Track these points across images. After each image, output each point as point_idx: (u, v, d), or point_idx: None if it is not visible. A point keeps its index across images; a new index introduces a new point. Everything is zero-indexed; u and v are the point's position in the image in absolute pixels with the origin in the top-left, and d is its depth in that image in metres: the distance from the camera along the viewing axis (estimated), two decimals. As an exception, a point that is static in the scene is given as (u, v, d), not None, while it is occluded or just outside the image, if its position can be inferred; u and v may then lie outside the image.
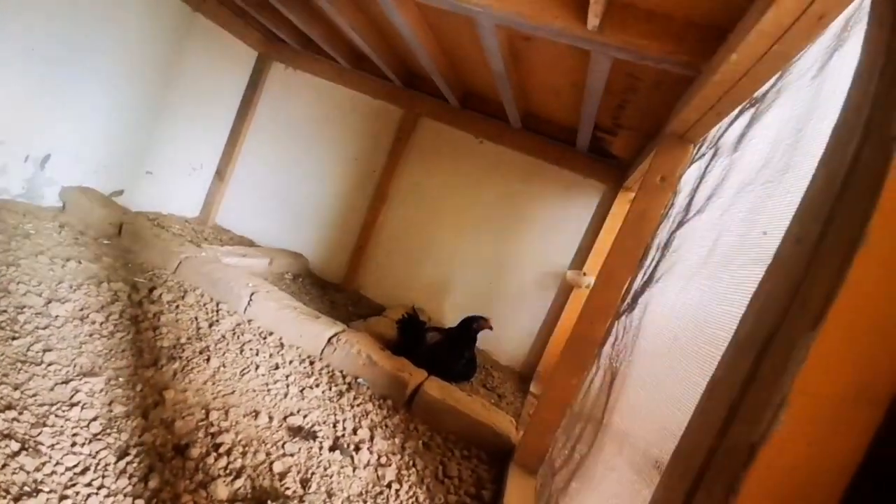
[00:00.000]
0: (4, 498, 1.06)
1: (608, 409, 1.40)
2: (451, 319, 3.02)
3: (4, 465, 1.14)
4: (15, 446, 1.19)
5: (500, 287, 3.35)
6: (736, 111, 1.48)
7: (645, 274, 1.67)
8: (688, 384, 0.88)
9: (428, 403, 2.21)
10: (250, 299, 2.47)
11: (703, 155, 1.76)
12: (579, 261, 3.15)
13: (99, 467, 1.24)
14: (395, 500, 1.60)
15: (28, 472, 1.15)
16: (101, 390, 1.49)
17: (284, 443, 1.63)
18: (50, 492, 1.13)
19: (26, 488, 1.11)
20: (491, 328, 2.87)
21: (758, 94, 1.30)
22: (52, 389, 1.44)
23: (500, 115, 3.28)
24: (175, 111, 3.40)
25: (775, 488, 0.37)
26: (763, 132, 1.12)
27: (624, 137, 2.92)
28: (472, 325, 2.88)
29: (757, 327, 0.45)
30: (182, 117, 3.47)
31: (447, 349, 2.76)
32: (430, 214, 3.54)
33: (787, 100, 1.08)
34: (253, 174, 3.90)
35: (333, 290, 3.56)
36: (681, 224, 1.42)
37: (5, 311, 1.68)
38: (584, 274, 2.98)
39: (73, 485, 1.17)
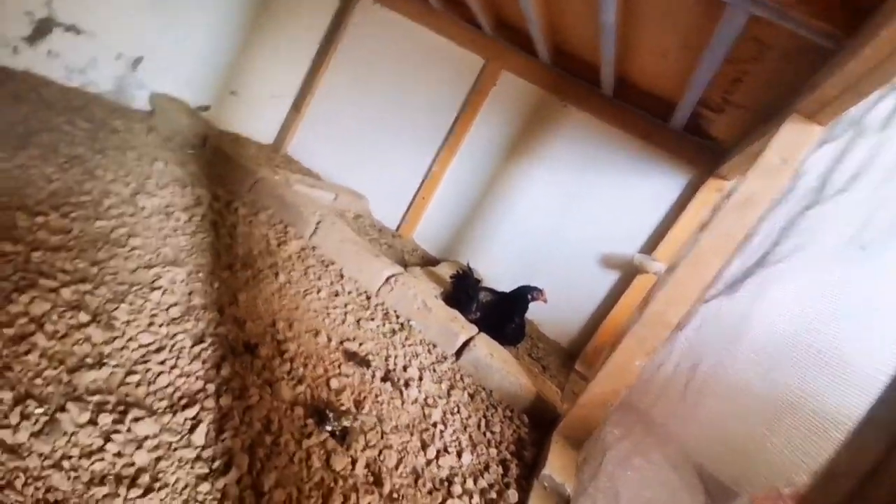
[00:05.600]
0: (56, 368, 1.03)
1: (673, 401, 1.31)
2: (504, 283, 2.96)
3: (65, 335, 1.12)
4: (84, 317, 1.19)
5: (560, 259, 3.23)
6: (878, 92, 1.29)
7: (748, 259, 1.53)
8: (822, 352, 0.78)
9: (476, 358, 2.19)
10: (316, 227, 2.50)
11: (838, 137, 1.56)
12: (651, 245, 2.97)
13: (174, 348, 1.29)
14: (440, 439, 1.60)
15: (94, 345, 1.14)
16: (183, 280, 1.54)
17: (340, 364, 1.66)
18: (116, 366, 1.13)
19: (88, 360, 1.10)
20: (545, 301, 2.79)
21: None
22: (133, 272, 1.50)
23: (590, 79, 3.08)
24: (264, 37, 3.42)
25: None
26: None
27: (730, 117, 2.66)
28: (528, 295, 2.82)
29: None
30: (269, 44, 3.49)
31: (499, 311, 2.72)
32: (499, 173, 3.43)
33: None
34: (327, 110, 3.91)
35: (390, 235, 3.57)
36: (811, 206, 1.26)
37: (89, 194, 1.74)
38: (655, 259, 2.82)
39: (145, 361, 1.20)
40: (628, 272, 3.04)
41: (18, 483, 0.76)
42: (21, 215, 1.33)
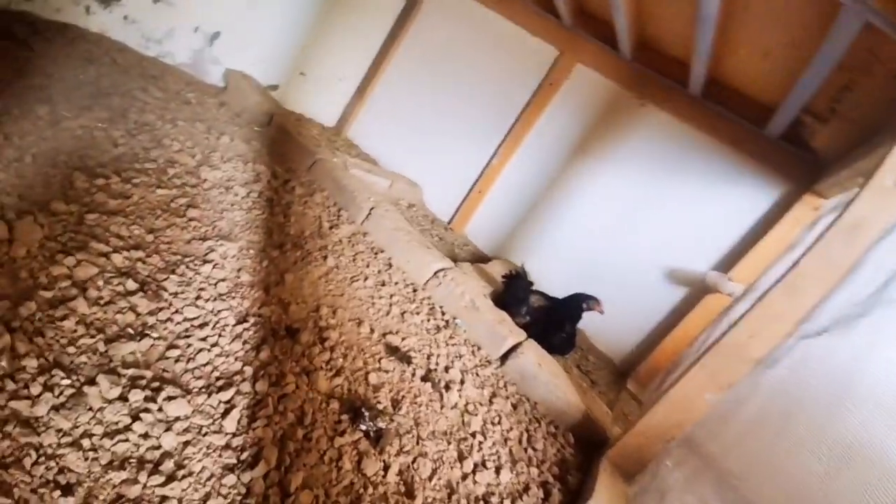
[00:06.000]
0: (93, 337, 0.97)
1: (757, 452, 1.11)
2: (557, 288, 2.79)
3: (109, 303, 1.06)
4: (132, 285, 1.15)
5: (622, 268, 3.01)
6: None
7: (859, 293, 1.29)
8: None
9: (522, 366, 2.06)
10: (369, 213, 2.45)
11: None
12: (727, 263, 2.68)
13: (218, 325, 1.26)
14: (478, 451, 1.49)
15: (139, 315, 1.09)
16: (234, 256, 1.52)
17: (381, 358, 1.58)
18: (158, 338, 1.08)
19: (129, 330, 1.04)
20: (602, 312, 2.59)
21: None
22: (188, 242, 1.48)
23: (676, 77, 2.82)
24: (336, 20, 3.42)
25: None
26: None
27: (835, 128, 2.34)
28: (582, 303, 2.63)
29: None
30: (340, 28, 3.49)
31: (550, 317, 2.56)
32: (563, 171, 3.24)
33: None
34: (391, 95, 3.86)
35: (442, 228, 3.48)
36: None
37: (154, 161, 1.75)
38: (731, 280, 2.54)
39: (188, 336, 1.15)
40: (697, 290, 2.77)
41: (28, 461, 0.71)
42: (79, 175, 1.34)
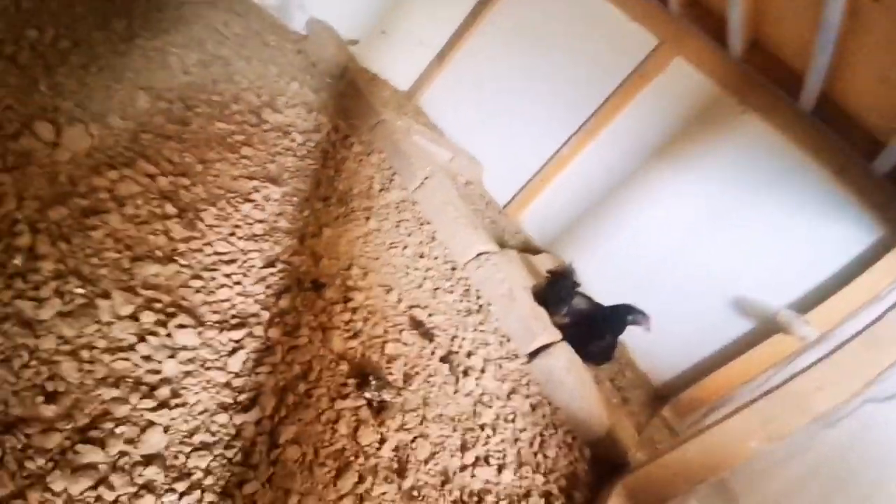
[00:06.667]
0: (120, 252, 0.96)
1: None
2: (604, 295, 2.60)
3: (144, 222, 1.05)
4: (171, 209, 1.14)
5: (682, 287, 2.76)
6: None
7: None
8: None
9: (550, 367, 1.95)
10: (423, 182, 2.39)
11: None
12: (806, 303, 2.37)
13: (245, 265, 1.25)
14: (484, 445, 1.42)
15: (171, 239, 1.08)
16: (276, 200, 1.52)
17: (403, 329, 1.54)
18: (185, 266, 1.07)
19: (158, 252, 1.03)
20: (648, 330, 2.39)
21: None
22: (235, 179, 1.48)
23: (787, 86, 2.48)
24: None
25: None
26: None
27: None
28: (628, 315, 2.44)
29: None
30: (430, -10, 3.40)
31: (591, 323, 2.40)
32: (638, 173, 2.99)
33: None
34: (470, 68, 3.72)
35: (496, 211, 3.36)
36: None
37: (220, 95, 1.75)
38: (807, 322, 2.25)
39: (214, 269, 1.14)
40: (766, 326, 2.49)
41: (17, 362, 0.71)
42: (143, 95, 1.36)
